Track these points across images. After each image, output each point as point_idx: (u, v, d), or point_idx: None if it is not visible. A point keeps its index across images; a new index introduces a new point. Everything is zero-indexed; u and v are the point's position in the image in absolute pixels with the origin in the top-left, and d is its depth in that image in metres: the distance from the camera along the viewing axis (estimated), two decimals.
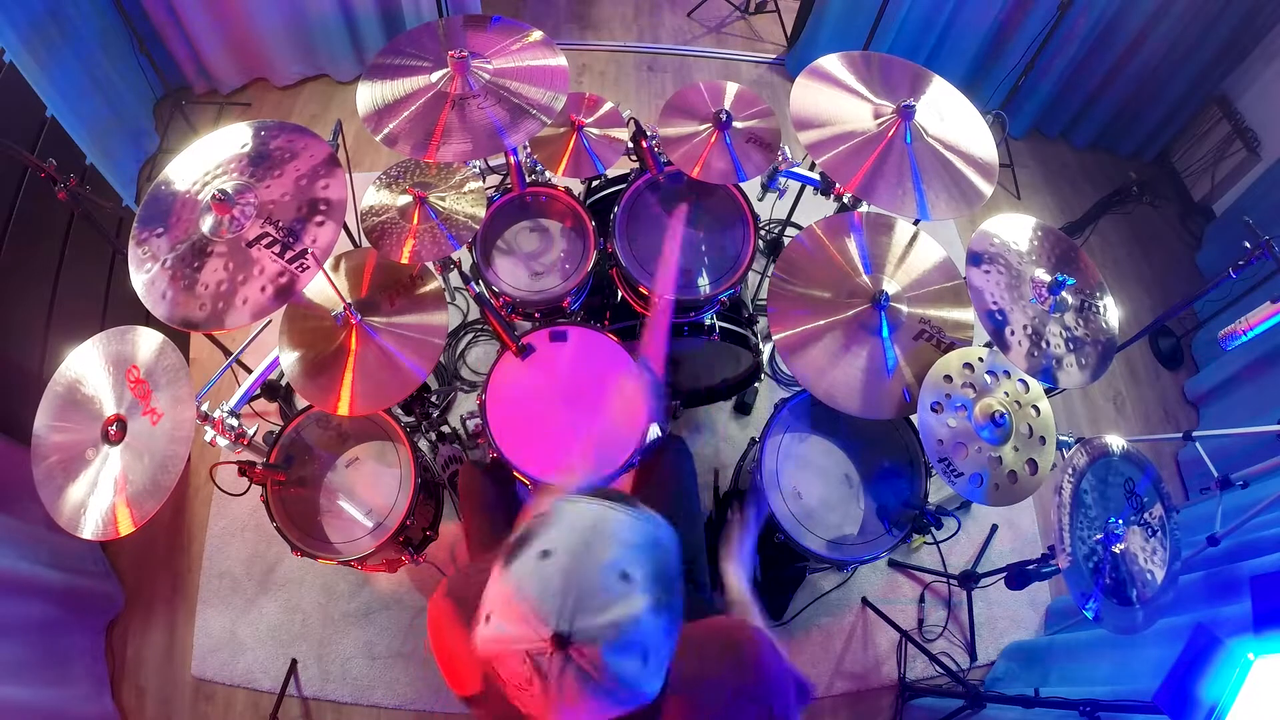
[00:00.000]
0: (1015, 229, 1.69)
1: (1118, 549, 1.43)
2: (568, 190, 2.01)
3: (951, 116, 1.77)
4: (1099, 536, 1.43)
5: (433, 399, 2.08)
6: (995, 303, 1.57)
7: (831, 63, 1.80)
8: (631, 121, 1.92)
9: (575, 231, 1.99)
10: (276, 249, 1.36)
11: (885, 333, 1.60)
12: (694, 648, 0.79)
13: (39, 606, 1.90)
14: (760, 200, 2.02)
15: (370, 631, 2.18)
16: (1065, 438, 1.64)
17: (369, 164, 3.05)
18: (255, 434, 1.63)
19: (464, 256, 1.85)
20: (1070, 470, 1.46)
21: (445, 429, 2.17)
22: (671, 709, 0.77)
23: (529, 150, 1.95)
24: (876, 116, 1.73)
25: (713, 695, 0.84)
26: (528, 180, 1.96)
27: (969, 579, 2.18)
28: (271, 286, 1.32)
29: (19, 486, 1.81)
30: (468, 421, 1.73)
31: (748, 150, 1.84)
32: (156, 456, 1.35)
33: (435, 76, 1.62)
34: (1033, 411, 1.54)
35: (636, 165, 1.98)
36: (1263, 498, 1.74)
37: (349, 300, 1.58)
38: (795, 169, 1.98)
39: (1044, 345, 1.56)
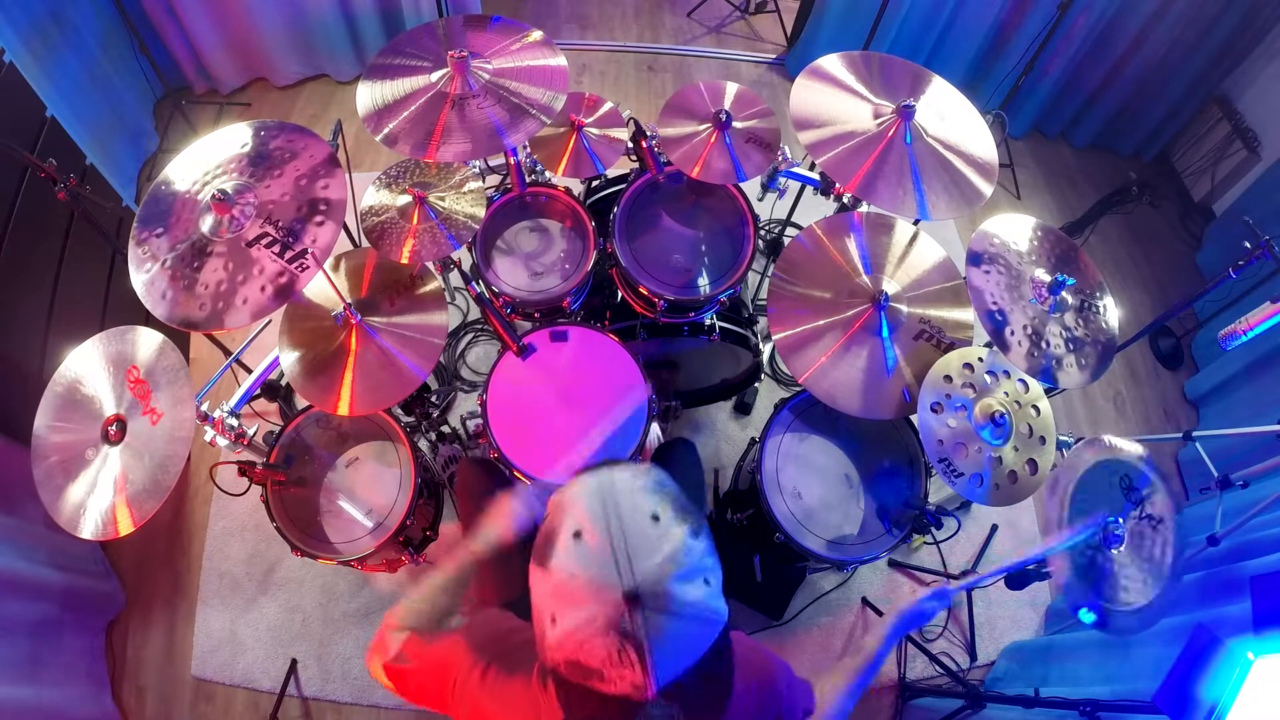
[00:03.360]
0: (1015, 229, 1.69)
1: (1117, 550, 1.43)
2: (568, 190, 2.01)
3: (951, 116, 1.77)
4: (1099, 537, 1.43)
5: (433, 399, 2.08)
6: (995, 303, 1.57)
7: (831, 63, 1.80)
8: (631, 121, 1.92)
9: (575, 231, 1.99)
10: (276, 249, 1.36)
11: (885, 333, 1.60)
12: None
13: (39, 606, 1.89)
14: (760, 200, 2.03)
15: (370, 631, 2.17)
16: (1065, 437, 1.64)
17: (369, 164, 3.05)
18: (255, 434, 1.63)
19: (464, 256, 1.85)
20: (1070, 470, 1.45)
21: (445, 429, 2.17)
22: None
23: (529, 150, 1.95)
24: (876, 116, 1.73)
25: (737, 692, 0.85)
26: (528, 180, 1.96)
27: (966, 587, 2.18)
28: (271, 286, 1.32)
29: (19, 486, 1.82)
30: (468, 421, 1.74)
31: (748, 150, 1.84)
32: (156, 456, 1.35)
33: (435, 76, 1.62)
34: (1033, 411, 1.54)
35: (636, 165, 1.98)
36: (1263, 498, 1.74)
37: (349, 300, 1.58)
38: (795, 169, 1.98)
39: (1044, 345, 1.56)
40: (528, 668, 0.83)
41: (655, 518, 0.67)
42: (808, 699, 1.02)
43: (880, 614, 2.27)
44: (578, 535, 0.67)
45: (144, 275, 1.36)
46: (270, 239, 1.36)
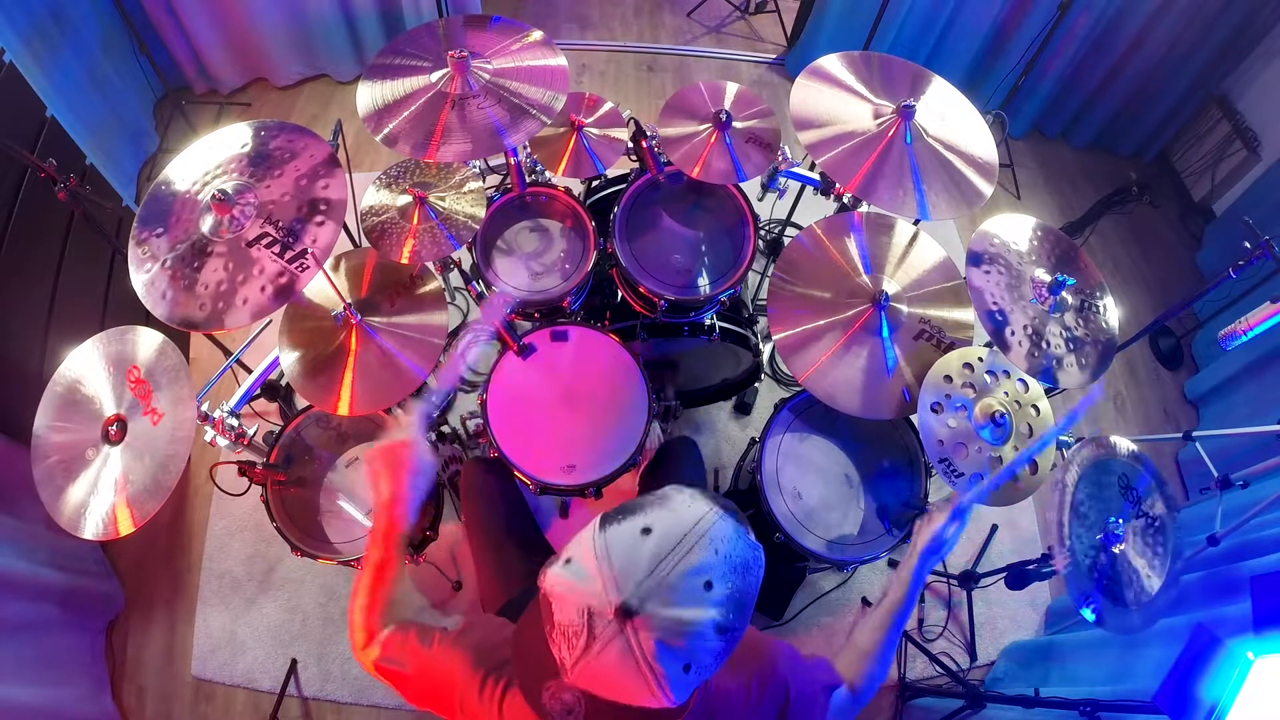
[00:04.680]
0: (1015, 229, 1.69)
1: (1117, 549, 1.43)
2: (568, 190, 2.00)
3: (951, 116, 1.77)
4: (1099, 536, 1.43)
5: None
6: (995, 303, 1.57)
7: (831, 63, 1.80)
8: (631, 121, 1.92)
9: (575, 231, 1.99)
10: (276, 249, 1.36)
11: (885, 333, 1.60)
12: None
13: (39, 606, 1.90)
14: (760, 200, 2.02)
15: None
16: (1065, 438, 1.64)
17: (369, 164, 3.05)
18: (255, 434, 1.63)
19: (464, 256, 1.85)
20: (1070, 470, 1.45)
21: (445, 429, 2.17)
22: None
23: (529, 150, 1.94)
24: (876, 116, 1.73)
25: (735, 689, 0.86)
26: (528, 180, 1.96)
27: (969, 579, 2.18)
28: (271, 286, 1.32)
29: (19, 486, 1.81)
30: (468, 421, 1.73)
31: (748, 150, 1.84)
32: (157, 456, 1.35)
33: (435, 76, 1.62)
34: (1033, 411, 1.54)
35: (636, 165, 1.98)
36: (1263, 498, 1.74)
37: (349, 300, 1.58)
38: (795, 169, 1.98)
39: (1044, 345, 1.56)
40: (510, 680, 0.84)
41: (708, 585, 0.64)
42: (829, 674, 0.99)
43: None
44: (645, 531, 0.66)
45: (144, 275, 1.36)
46: (270, 239, 1.36)
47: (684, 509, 0.68)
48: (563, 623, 0.65)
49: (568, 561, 0.67)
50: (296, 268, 1.34)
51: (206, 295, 1.33)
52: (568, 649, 0.65)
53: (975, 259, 1.62)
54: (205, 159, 1.46)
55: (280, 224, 1.37)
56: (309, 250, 1.34)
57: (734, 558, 0.66)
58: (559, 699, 0.70)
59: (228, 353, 2.13)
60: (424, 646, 0.93)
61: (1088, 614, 1.36)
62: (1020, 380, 1.56)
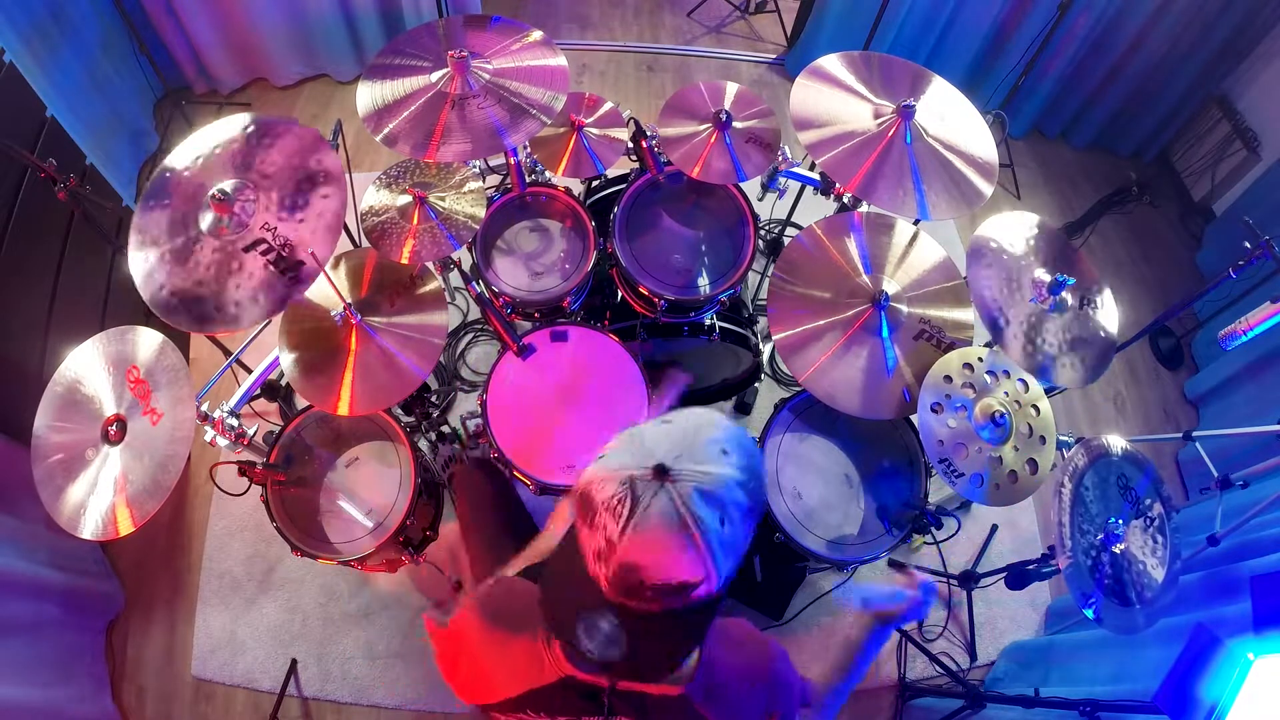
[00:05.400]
0: (1015, 229, 1.69)
1: (1118, 549, 1.43)
2: (568, 190, 2.00)
3: (951, 116, 1.77)
4: (1099, 536, 1.43)
5: (433, 399, 2.08)
6: (995, 303, 1.57)
7: (831, 63, 1.80)
8: (631, 121, 1.92)
9: (575, 231, 1.99)
10: (271, 257, 1.36)
11: (885, 333, 1.60)
12: (729, 634, 0.90)
13: (39, 606, 1.89)
14: (760, 200, 2.02)
15: (370, 631, 2.18)
16: (1065, 437, 1.64)
17: (369, 164, 3.05)
18: (255, 434, 1.63)
19: (464, 256, 1.85)
20: (1070, 470, 1.46)
21: (445, 429, 2.17)
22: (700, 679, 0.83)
23: (529, 150, 1.94)
24: (876, 116, 1.73)
25: (733, 678, 0.88)
26: (528, 180, 1.96)
27: (969, 579, 2.18)
28: (273, 285, 1.32)
29: (19, 486, 1.81)
30: (468, 421, 1.74)
31: (748, 150, 1.84)
32: (156, 456, 1.35)
33: (435, 76, 1.62)
34: (1033, 411, 1.54)
35: (636, 165, 1.98)
36: (1263, 498, 1.74)
37: (349, 300, 1.58)
38: (795, 169, 1.98)
39: (1043, 345, 1.56)
40: (533, 628, 0.86)
41: (725, 452, 0.72)
42: (805, 691, 1.03)
43: None
44: (665, 421, 0.75)
45: (143, 260, 1.37)
46: (267, 247, 1.37)
47: (695, 409, 0.79)
48: (605, 499, 0.69)
49: (601, 456, 0.73)
50: (288, 280, 1.35)
51: (207, 294, 1.33)
52: (614, 522, 0.68)
53: (975, 259, 1.62)
54: (202, 144, 1.47)
55: (276, 232, 1.38)
56: (302, 263, 1.36)
57: (738, 435, 0.76)
58: (596, 629, 0.72)
59: (228, 353, 2.13)
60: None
61: (1089, 614, 1.36)
62: (1020, 380, 1.56)
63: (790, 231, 2.89)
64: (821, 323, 1.60)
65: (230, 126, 1.51)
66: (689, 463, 0.69)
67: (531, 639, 0.86)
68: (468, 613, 0.94)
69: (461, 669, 0.93)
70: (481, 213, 1.72)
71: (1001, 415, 1.47)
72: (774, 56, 3.81)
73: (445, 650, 0.96)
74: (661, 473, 0.68)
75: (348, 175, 1.51)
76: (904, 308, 1.62)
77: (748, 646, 0.93)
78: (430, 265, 1.69)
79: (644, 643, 0.74)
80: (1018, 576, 1.77)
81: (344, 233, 2.21)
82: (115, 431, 1.39)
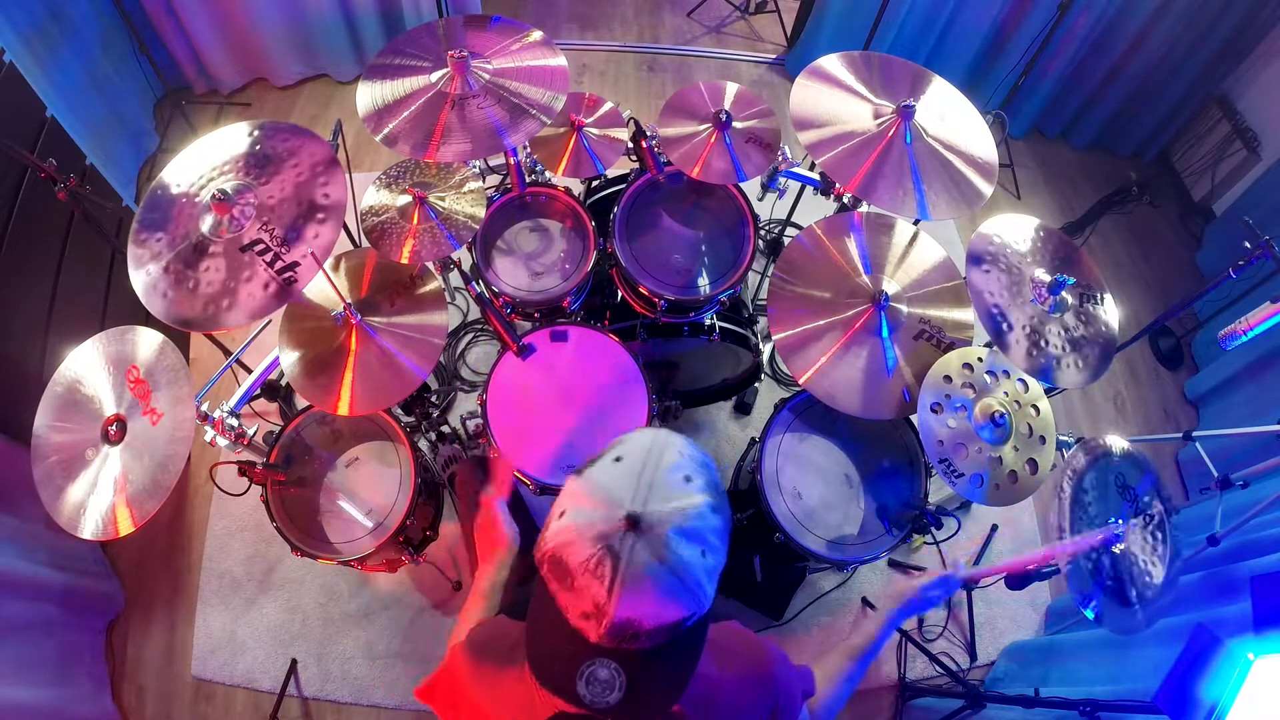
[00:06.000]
0: (1015, 229, 1.69)
1: (1118, 549, 1.43)
2: (568, 190, 2.01)
3: (951, 116, 1.77)
4: (1099, 537, 1.43)
5: (433, 399, 2.08)
6: (995, 303, 1.57)
7: (831, 63, 1.80)
8: (631, 121, 1.92)
9: (575, 231, 1.99)
10: (269, 257, 1.36)
11: (885, 333, 1.60)
12: (719, 644, 0.86)
13: (39, 606, 1.90)
14: (760, 200, 2.02)
15: (370, 631, 2.18)
16: (1065, 438, 1.64)
17: (369, 164, 3.05)
18: (255, 434, 1.63)
19: (464, 256, 1.85)
20: (1070, 470, 1.45)
21: (445, 429, 2.17)
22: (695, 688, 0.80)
23: (529, 150, 1.94)
24: (876, 116, 1.73)
25: (730, 687, 0.87)
26: (528, 180, 1.96)
27: (969, 579, 2.17)
28: (273, 285, 1.32)
29: (19, 486, 1.81)
30: (468, 421, 1.73)
31: (748, 150, 1.84)
32: (156, 456, 1.35)
33: (435, 76, 1.62)
34: (1033, 411, 1.54)
35: (636, 165, 1.98)
36: (1263, 498, 1.74)
37: (349, 300, 1.58)
38: (795, 169, 1.98)
39: (1044, 345, 1.56)
40: (521, 664, 0.83)
41: (687, 479, 0.71)
42: (807, 682, 1.02)
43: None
44: (617, 459, 0.73)
45: (144, 275, 1.36)
46: (264, 247, 1.37)
47: (638, 435, 0.76)
48: (581, 562, 0.67)
49: (561, 515, 0.71)
50: (285, 279, 1.35)
51: (207, 295, 1.33)
52: (598, 584, 0.66)
53: (975, 259, 1.62)
54: (205, 159, 1.46)
55: (276, 232, 1.38)
56: (299, 263, 1.36)
57: (695, 456, 0.75)
58: (595, 679, 0.71)
59: (228, 353, 2.13)
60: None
61: (1089, 614, 1.36)
62: (1020, 380, 1.56)
63: (790, 231, 2.89)
64: (821, 323, 1.60)
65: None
66: (658, 503, 0.67)
67: (519, 676, 0.84)
68: (458, 653, 0.93)
69: (459, 701, 0.92)
70: (481, 213, 1.72)
71: (1001, 415, 1.47)
72: (774, 56, 3.81)
73: (442, 704, 0.96)
74: (634, 523, 0.66)
75: (348, 175, 1.51)
76: (904, 308, 1.62)
77: (741, 653, 0.92)
78: (430, 265, 1.69)
79: (645, 680, 0.71)
80: (1018, 576, 1.76)
81: (344, 232, 2.22)
82: (115, 431, 1.39)
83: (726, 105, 1.89)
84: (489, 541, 1.26)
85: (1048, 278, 1.61)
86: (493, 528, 1.26)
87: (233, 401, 1.66)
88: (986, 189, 1.67)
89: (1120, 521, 1.43)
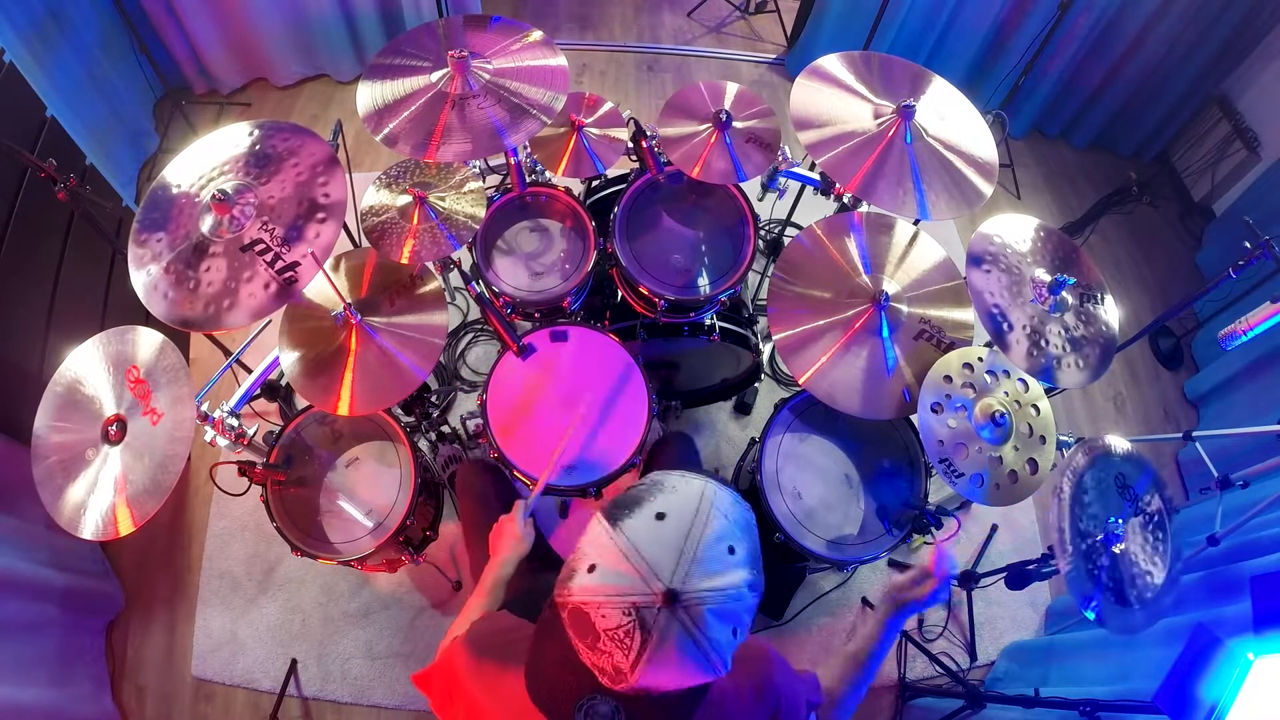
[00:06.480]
0: (1015, 229, 1.69)
1: (1118, 549, 1.43)
2: (568, 190, 2.01)
3: (951, 116, 1.77)
4: (1099, 537, 1.43)
5: (433, 399, 2.08)
6: (995, 303, 1.57)
7: (831, 63, 1.80)
8: (631, 121, 1.92)
9: (575, 231, 1.99)
10: (269, 257, 1.36)
11: (885, 333, 1.60)
12: None
13: (39, 606, 1.89)
14: (760, 200, 2.02)
15: (370, 631, 2.18)
16: (1065, 437, 1.64)
17: (369, 164, 3.04)
18: (255, 434, 1.63)
19: (464, 256, 1.85)
20: (1070, 470, 1.45)
21: (445, 429, 2.17)
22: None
23: (529, 150, 1.94)
24: (876, 116, 1.73)
25: (729, 697, 0.86)
26: (528, 180, 1.96)
27: (969, 579, 2.18)
28: (274, 284, 1.32)
29: (19, 486, 1.82)
30: (468, 421, 1.73)
31: (748, 150, 1.84)
32: (156, 456, 1.35)
33: (435, 76, 1.62)
34: (1033, 411, 1.54)
35: (636, 165, 1.98)
36: (1263, 498, 1.73)
37: (349, 300, 1.58)
38: (795, 169, 1.98)
39: (1044, 345, 1.56)
40: (520, 663, 0.83)
41: (731, 550, 0.68)
42: (813, 690, 1.01)
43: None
44: (660, 517, 0.68)
45: (144, 275, 1.36)
46: (264, 247, 1.37)
47: (684, 487, 0.71)
48: (610, 630, 0.64)
49: (591, 569, 0.67)
50: (285, 279, 1.35)
51: (207, 295, 1.33)
52: (622, 654, 0.64)
53: (975, 259, 1.61)
54: (205, 159, 1.46)
55: (276, 232, 1.38)
56: (299, 263, 1.36)
57: (740, 520, 0.71)
58: (595, 712, 0.69)
59: (228, 353, 2.13)
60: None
61: (1089, 614, 1.36)
62: (1020, 380, 1.56)
63: (790, 231, 2.89)
64: (821, 323, 1.60)
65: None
66: (698, 579, 0.64)
67: (520, 677, 0.83)
68: (458, 646, 0.92)
69: (456, 710, 0.92)
70: (481, 213, 1.72)
71: (1001, 415, 1.47)
72: (774, 56, 3.81)
73: (438, 696, 0.96)
74: (671, 599, 0.63)
75: (348, 175, 1.51)
76: (904, 308, 1.62)
77: (741, 660, 0.91)
78: (430, 265, 1.69)
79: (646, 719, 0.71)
80: (1018, 576, 1.76)
81: (344, 232, 2.22)
82: (115, 431, 1.39)
83: (726, 105, 1.89)
84: (508, 536, 1.31)
85: (1048, 278, 1.61)
86: (514, 528, 1.32)
87: (233, 401, 1.66)
88: (987, 189, 1.67)
89: (1120, 521, 1.43)
